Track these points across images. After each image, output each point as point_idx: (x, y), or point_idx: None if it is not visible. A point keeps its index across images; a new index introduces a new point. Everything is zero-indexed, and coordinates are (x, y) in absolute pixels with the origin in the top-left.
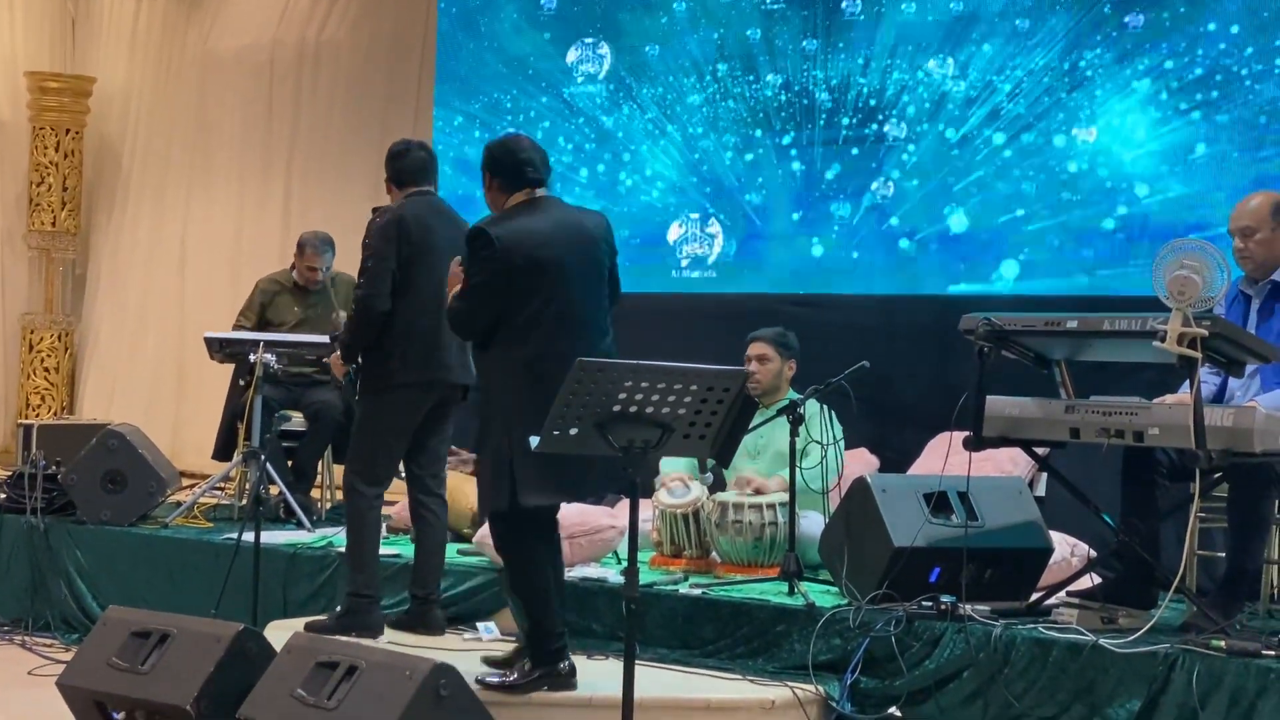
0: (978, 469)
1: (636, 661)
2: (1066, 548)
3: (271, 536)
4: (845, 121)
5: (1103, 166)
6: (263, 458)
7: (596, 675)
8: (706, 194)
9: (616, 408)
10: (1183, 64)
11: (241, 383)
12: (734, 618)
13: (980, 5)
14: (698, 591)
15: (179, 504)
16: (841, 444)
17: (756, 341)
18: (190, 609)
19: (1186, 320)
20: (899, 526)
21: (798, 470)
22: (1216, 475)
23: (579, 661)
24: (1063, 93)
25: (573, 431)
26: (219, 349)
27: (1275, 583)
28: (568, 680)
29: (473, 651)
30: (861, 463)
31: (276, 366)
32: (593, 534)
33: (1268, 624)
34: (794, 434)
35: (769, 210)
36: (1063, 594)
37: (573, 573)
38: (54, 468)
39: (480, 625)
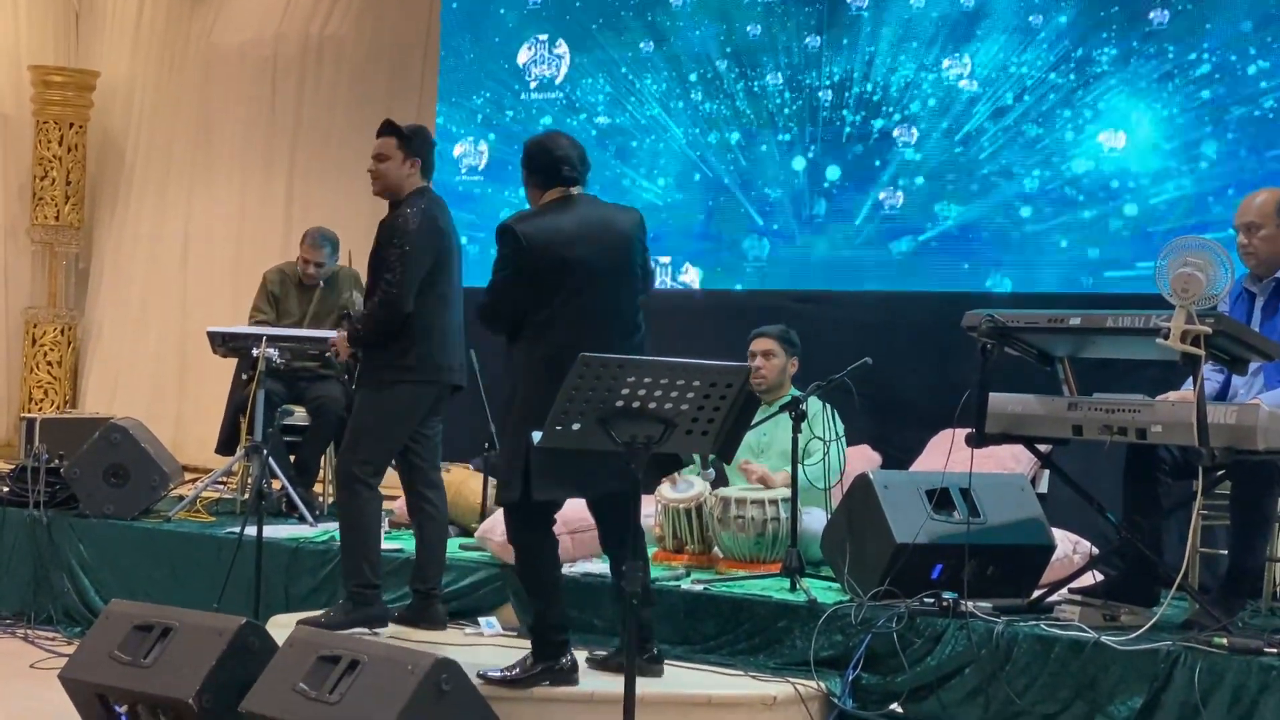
0: (980, 466)
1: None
2: (1069, 545)
3: (274, 531)
4: (848, 118)
5: (1109, 165)
6: (265, 452)
7: (598, 671)
8: (708, 191)
9: (619, 403)
10: (1191, 61)
11: (244, 377)
12: (736, 613)
13: (985, 1)
14: (699, 587)
15: (181, 498)
16: (843, 440)
17: (761, 337)
18: (192, 603)
19: (1190, 317)
20: (901, 523)
21: (800, 467)
22: (1219, 473)
23: (580, 657)
24: (1069, 90)
25: (575, 427)
26: (222, 343)
27: (1278, 580)
28: (569, 675)
29: (474, 646)
30: (864, 459)
31: (279, 361)
32: (594, 529)
33: (1270, 622)
34: (796, 430)
35: (771, 208)
36: (1065, 591)
37: (574, 568)
38: (57, 461)
39: (482, 620)
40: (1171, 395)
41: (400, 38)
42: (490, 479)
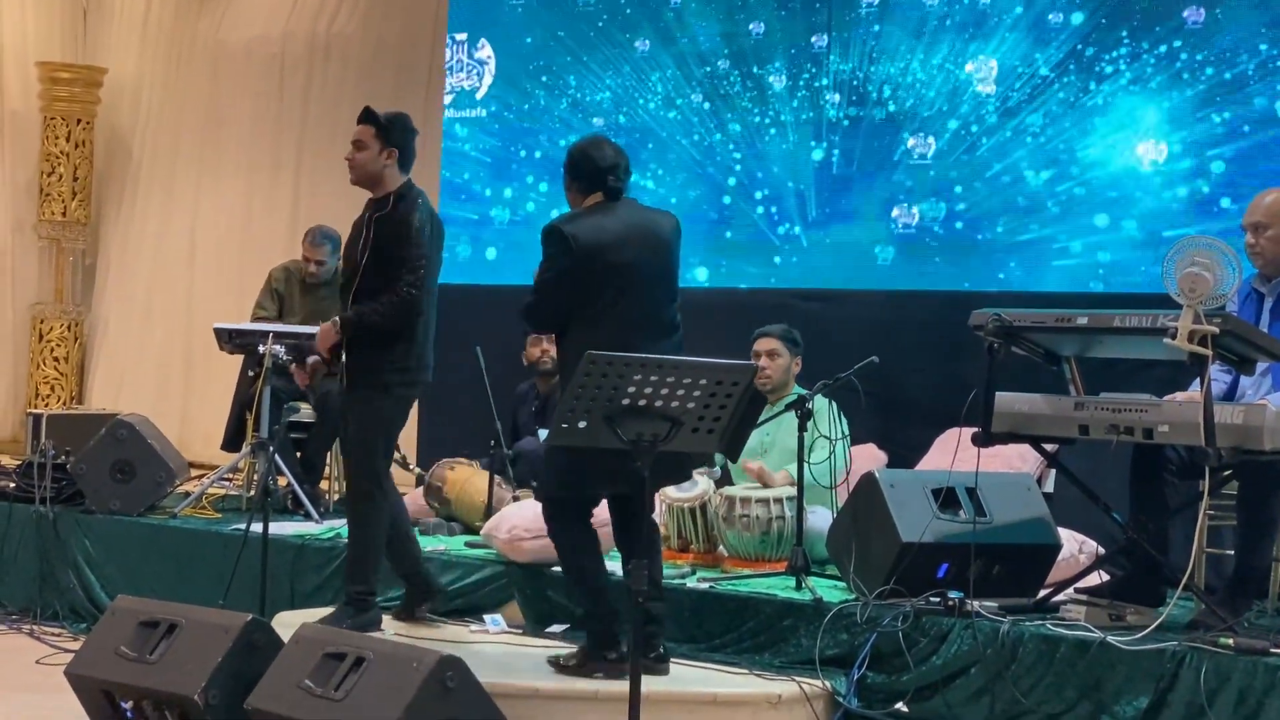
0: (986, 465)
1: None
2: (1075, 544)
3: (279, 528)
4: (855, 116)
5: (1120, 166)
6: (271, 449)
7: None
8: (715, 190)
9: (625, 401)
10: (1203, 62)
11: (251, 374)
12: (741, 612)
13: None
14: (705, 585)
15: (187, 494)
16: (849, 439)
17: (765, 337)
18: (198, 599)
19: (1197, 317)
20: (907, 522)
21: (805, 465)
22: (1226, 473)
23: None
24: (1080, 90)
25: (581, 424)
26: (228, 340)
27: None
28: (619, 668)
29: (477, 644)
30: (869, 458)
31: (285, 358)
32: (600, 526)
33: (1276, 622)
34: (802, 429)
35: (779, 206)
36: (1070, 591)
37: None
38: (63, 457)
39: (488, 618)
40: (1179, 395)
41: (407, 36)
42: (496, 477)
